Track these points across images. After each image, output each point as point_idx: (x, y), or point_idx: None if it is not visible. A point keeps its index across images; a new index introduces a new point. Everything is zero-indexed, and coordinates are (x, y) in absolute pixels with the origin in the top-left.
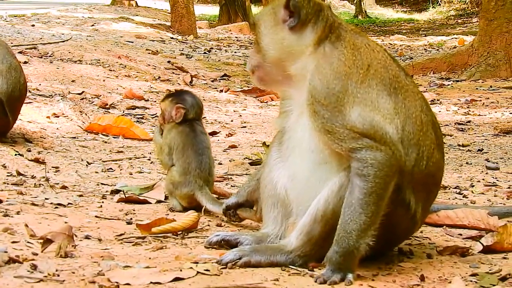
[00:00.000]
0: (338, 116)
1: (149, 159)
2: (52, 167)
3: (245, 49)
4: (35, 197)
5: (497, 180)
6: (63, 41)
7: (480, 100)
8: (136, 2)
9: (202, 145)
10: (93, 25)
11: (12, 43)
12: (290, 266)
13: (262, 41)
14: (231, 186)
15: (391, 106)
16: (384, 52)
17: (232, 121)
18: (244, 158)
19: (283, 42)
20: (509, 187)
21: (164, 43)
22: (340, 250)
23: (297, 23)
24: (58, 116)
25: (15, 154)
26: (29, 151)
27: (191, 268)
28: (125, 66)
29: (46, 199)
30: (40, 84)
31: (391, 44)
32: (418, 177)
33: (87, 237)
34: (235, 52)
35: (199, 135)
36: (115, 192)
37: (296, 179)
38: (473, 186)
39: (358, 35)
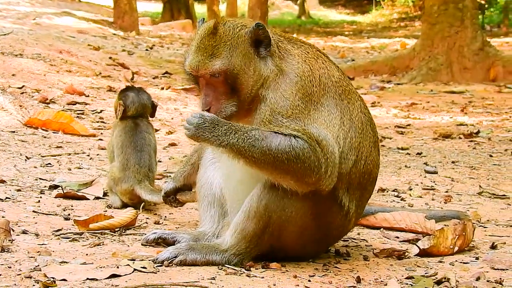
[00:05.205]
0: (297, 122)
1: (88, 155)
2: None
3: (187, 46)
4: None
5: (435, 184)
6: (4, 35)
7: (421, 104)
8: None
9: (142, 142)
10: (35, 19)
11: None
12: (226, 265)
13: (243, 85)
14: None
15: (338, 119)
16: (321, 54)
17: (172, 119)
18: (184, 156)
19: (260, 73)
20: (446, 191)
21: (106, 39)
22: None
23: (269, 50)
24: None
25: None
26: None
27: (128, 265)
28: (67, 61)
29: None
30: None
31: (333, 46)
32: (354, 176)
33: (24, 232)
34: (177, 50)
35: (140, 133)
36: (54, 187)
37: (230, 177)
38: (411, 189)
39: (294, 43)
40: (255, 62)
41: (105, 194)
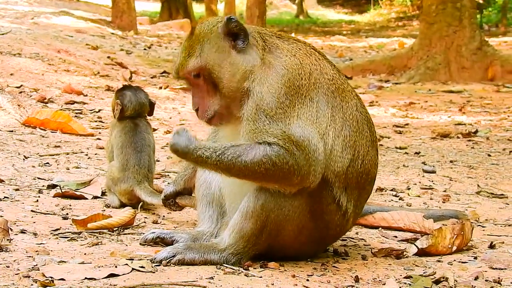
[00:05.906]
0: (278, 124)
1: (86, 155)
2: None
3: None
4: None
5: (433, 183)
6: (2, 34)
7: (419, 103)
8: None
9: (142, 142)
10: (33, 19)
11: None
12: (224, 265)
13: (221, 80)
14: (168, 183)
15: (328, 116)
16: (315, 52)
17: (170, 118)
18: None
19: (238, 67)
20: (445, 191)
21: (104, 38)
22: None
23: (247, 43)
24: None
25: None
26: None
27: (126, 264)
28: (65, 60)
29: None
30: None
31: (331, 45)
32: (352, 176)
33: (22, 232)
34: (175, 49)
35: (140, 133)
36: (52, 187)
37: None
38: (409, 188)
39: (286, 39)
40: (231, 56)
41: (103, 193)
